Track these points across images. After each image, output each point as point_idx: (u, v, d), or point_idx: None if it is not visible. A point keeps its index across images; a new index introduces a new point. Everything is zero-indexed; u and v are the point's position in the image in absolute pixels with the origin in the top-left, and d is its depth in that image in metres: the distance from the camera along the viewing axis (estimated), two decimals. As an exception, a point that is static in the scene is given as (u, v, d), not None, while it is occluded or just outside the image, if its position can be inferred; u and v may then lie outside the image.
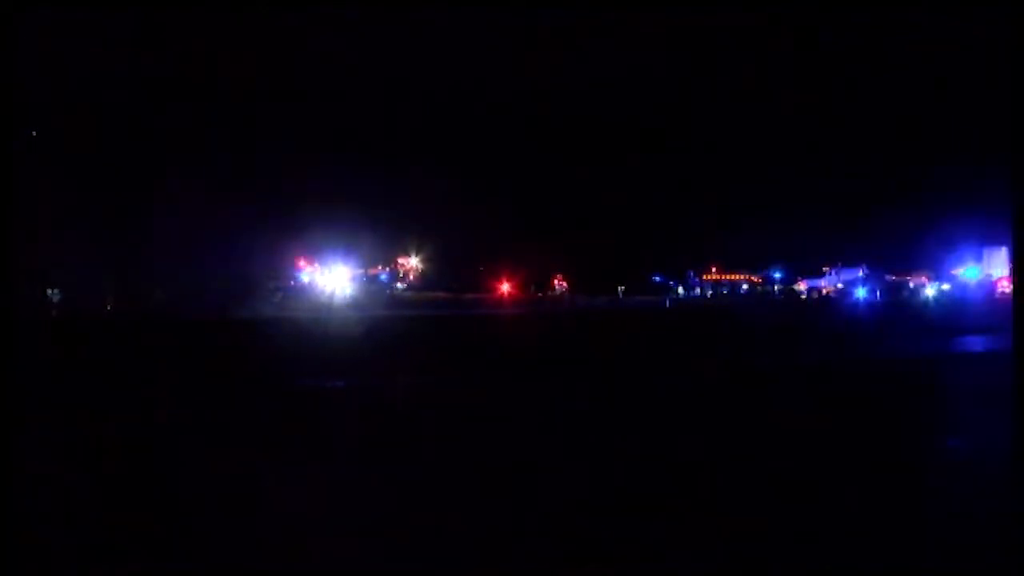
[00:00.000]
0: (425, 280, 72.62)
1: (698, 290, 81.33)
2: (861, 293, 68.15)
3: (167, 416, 11.82)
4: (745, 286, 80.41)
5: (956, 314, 36.46)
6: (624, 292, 74.50)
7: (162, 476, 8.25)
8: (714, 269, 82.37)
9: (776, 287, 76.77)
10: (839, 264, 73.50)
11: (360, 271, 68.47)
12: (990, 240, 65.47)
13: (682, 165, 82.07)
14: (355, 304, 56.42)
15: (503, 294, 69.94)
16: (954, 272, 69.30)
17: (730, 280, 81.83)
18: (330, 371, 17.32)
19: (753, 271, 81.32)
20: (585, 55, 72.24)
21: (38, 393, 12.57)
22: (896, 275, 71.26)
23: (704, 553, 5.93)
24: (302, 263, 66.31)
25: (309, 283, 65.69)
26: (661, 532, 6.37)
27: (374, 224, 68.20)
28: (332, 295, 62.34)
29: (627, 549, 6.06)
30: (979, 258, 67.81)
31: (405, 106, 72.48)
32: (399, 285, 71.88)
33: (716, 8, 56.01)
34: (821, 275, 74.62)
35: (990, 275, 65.50)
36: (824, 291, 72.53)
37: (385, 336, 29.08)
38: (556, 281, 77.38)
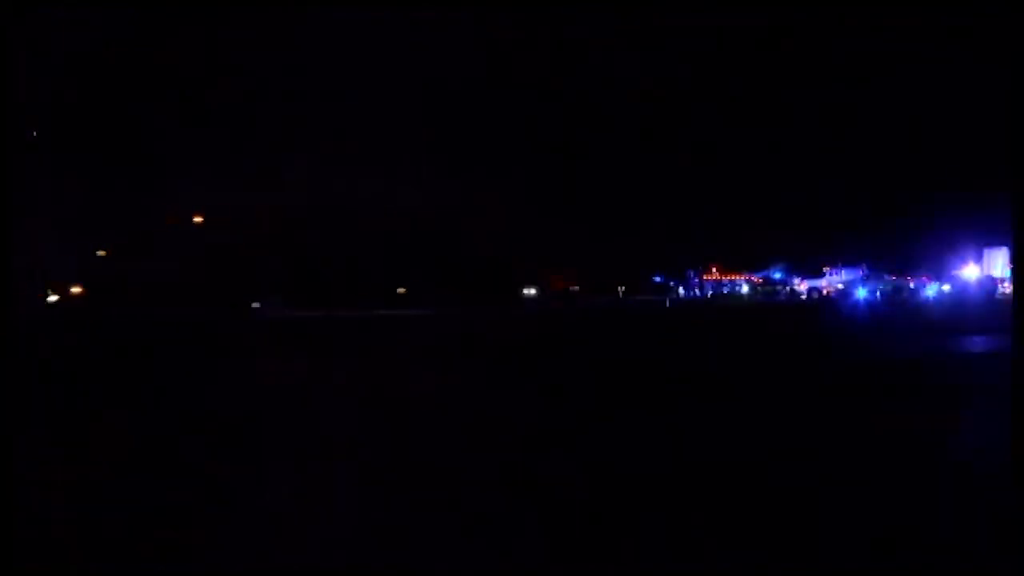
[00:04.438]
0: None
1: (698, 290, 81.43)
2: (861, 293, 68.16)
3: (168, 415, 11.83)
4: (745, 286, 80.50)
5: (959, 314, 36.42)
6: (624, 292, 74.62)
7: (162, 475, 8.25)
8: (714, 269, 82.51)
9: (786, 287, 76.81)
10: (839, 264, 73.59)
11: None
12: (990, 240, 65.55)
13: (683, 165, 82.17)
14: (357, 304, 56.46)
15: (506, 294, 70.07)
16: (954, 272, 69.34)
17: (730, 280, 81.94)
18: (330, 370, 17.34)
19: (753, 271, 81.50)
20: (586, 55, 72.16)
21: (38, 393, 12.59)
22: (896, 275, 71.32)
23: (704, 554, 5.94)
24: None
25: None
26: (658, 532, 6.38)
27: (374, 224, 68.30)
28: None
29: (624, 548, 6.07)
30: (979, 258, 67.86)
31: (406, 106, 72.48)
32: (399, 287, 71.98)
33: (718, 8, 55.95)
34: (821, 275, 74.68)
35: (990, 275, 65.52)
36: (824, 291, 72.55)
37: (386, 335, 29.09)
38: (556, 281, 77.56)
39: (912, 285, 70.35)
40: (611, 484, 7.85)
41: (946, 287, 68.32)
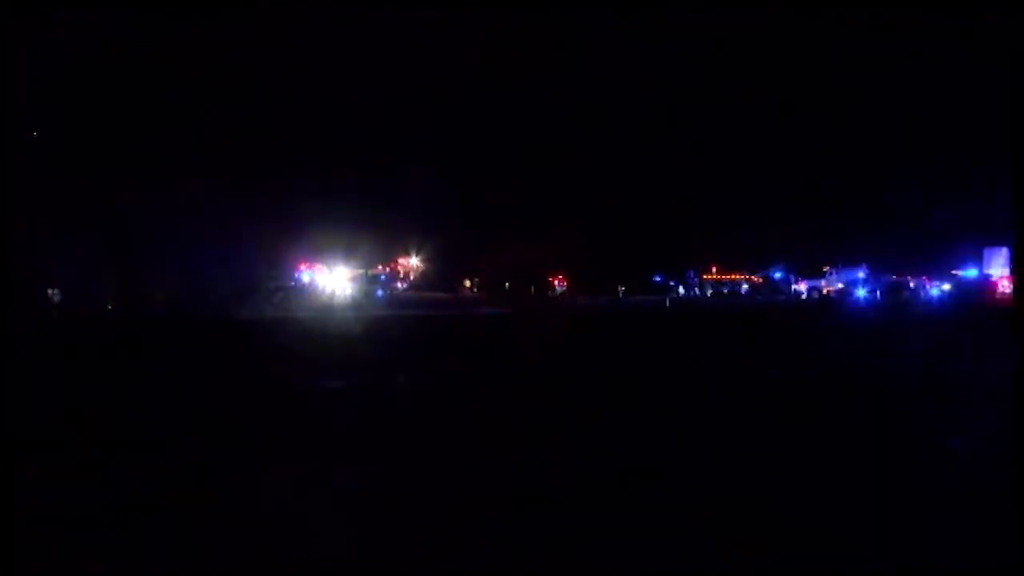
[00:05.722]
0: (425, 280, 72.80)
1: (698, 290, 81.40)
2: (861, 293, 68.15)
3: (169, 416, 11.83)
4: (745, 286, 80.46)
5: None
6: (624, 292, 74.56)
7: (163, 475, 8.26)
8: (714, 269, 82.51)
9: (787, 286, 76.70)
10: (839, 264, 73.54)
11: (360, 271, 68.58)
12: (990, 240, 65.48)
13: (683, 165, 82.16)
14: (355, 304, 56.45)
15: (507, 294, 70.03)
16: (954, 272, 69.26)
17: (730, 280, 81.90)
18: (333, 370, 17.33)
19: (753, 271, 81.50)
20: (585, 53, 72.16)
21: (38, 393, 12.58)
22: (896, 275, 71.28)
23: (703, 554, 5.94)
24: (302, 263, 66.40)
25: (309, 283, 65.78)
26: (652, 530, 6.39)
27: (374, 224, 68.32)
28: (332, 295, 62.44)
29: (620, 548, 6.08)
30: (979, 258, 67.79)
31: (405, 105, 72.49)
32: (399, 285, 72.01)
33: (717, 8, 55.96)
34: (821, 275, 74.63)
35: (990, 275, 65.46)
36: (824, 291, 72.50)
37: (387, 336, 29.07)
38: (556, 281, 77.61)
39: (912, 285, 70.30)
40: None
41: (946, 287, 68.25)
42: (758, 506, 6.99)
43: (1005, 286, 59.13)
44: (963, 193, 65.04)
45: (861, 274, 71.52)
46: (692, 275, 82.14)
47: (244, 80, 66.52)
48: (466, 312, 46.96)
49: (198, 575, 5.82)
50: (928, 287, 69.49)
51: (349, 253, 66.37)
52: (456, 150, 75.64)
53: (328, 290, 63.97)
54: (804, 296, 73.27)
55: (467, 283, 73.25)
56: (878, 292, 68.44)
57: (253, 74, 67.18)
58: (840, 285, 71.64)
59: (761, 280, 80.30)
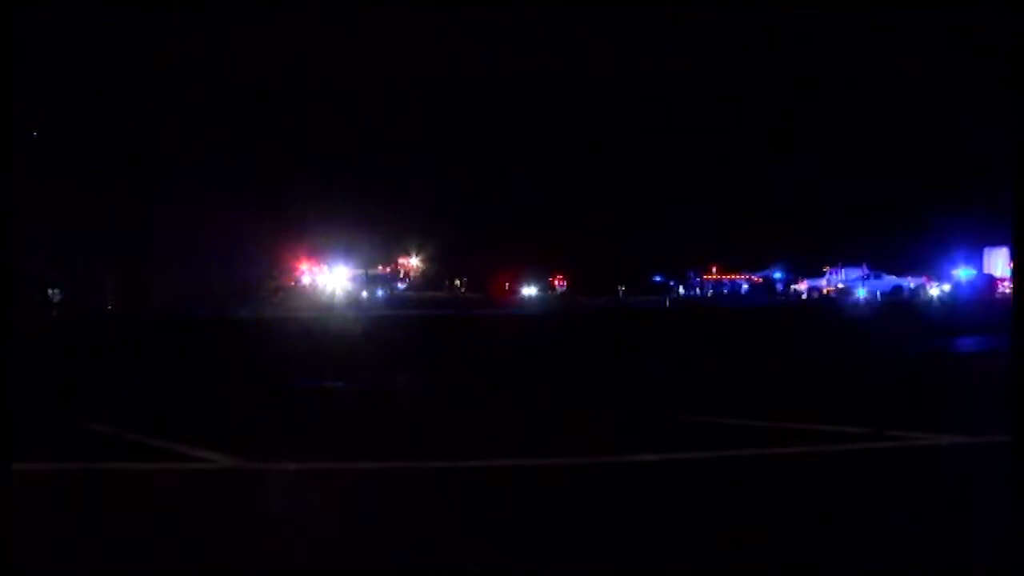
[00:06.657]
0: (425, 280, 72.93)
1: (698, 290, 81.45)
2: (861, 293, 68.16)
3: (169, 415, 11.84)
4: (745, 286, 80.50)
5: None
6: (624, 292, 74.60)
7: (163, 475, 8.26)
8: (714, 269, 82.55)
9: (787, 286, 76.74)
10: (839, 264, 73.59)
11: (360, 271, 68.64)
12: (990, 240, 65.43)
13: (682, 165, 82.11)
14: (356, 303, 56.48)
15: (506, 294, 70.06)
16: (954, 272, 69.24)
17: (730, 280, 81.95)
18: (333, 370, 17.34)
19: (753, 271, 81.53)
20: (584, 52, 72.15)
21: (38, 393, 12.59)
22: (896, 275, 71.32)
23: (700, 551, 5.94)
24: (302, 263, 66.44)
25: (310, 283, 65.81)
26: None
27: (374, 224, 68.38)
28: (333, 295, 62.48)
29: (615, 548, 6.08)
30: (979, 258, 67.75)
31: (405, 105, 72.46)
32: (399, 285, 72.11)
33: (716, 7, 55.99)
34: (821, 275, 74.68)
35: (990, 275, 65.42)
36: (824, 291, 72.56)
37: (387, 336, 29.07)
38: (556, 281, 77.70)
39: (912, 285, 70.35)
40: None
41: (946, 287, 68.24)
42: (758, 505, 7.00)
43: (1005, 286, 59.12)
44: (963, 193, 65.03)
45: (861, 274, 71.51)
46: (692, 275, 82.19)
47: (244, 80, 66.47)
48: (466, 312, 46.94)
49: (198, 575, 5.82)
50: (928, 287, 69.48)
51: (349, 253, 66.48)
52: (456, 150, 75.61)
53: (328, 290, 63.98)
54: (804, 296, 73.29)
55: (456, 283, 73.34)
56: (878, 292, 68.44)
57: (253, 73, 67.16)
58: (840, 285, 71.66)
59: (761, 280, 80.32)
